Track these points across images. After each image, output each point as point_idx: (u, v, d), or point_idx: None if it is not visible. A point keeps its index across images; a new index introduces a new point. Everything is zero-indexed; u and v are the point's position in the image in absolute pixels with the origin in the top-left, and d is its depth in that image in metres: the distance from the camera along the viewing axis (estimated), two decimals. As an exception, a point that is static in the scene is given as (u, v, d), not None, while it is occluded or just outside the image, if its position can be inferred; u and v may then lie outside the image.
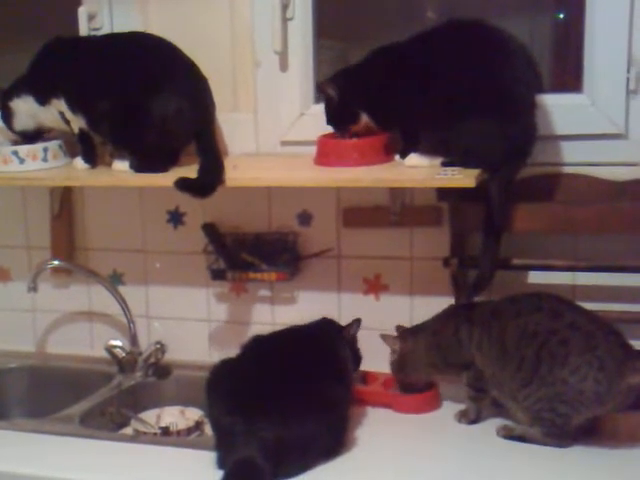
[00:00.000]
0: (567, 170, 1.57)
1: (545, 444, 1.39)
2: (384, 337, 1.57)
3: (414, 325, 1.59)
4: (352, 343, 1.54)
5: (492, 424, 1.47)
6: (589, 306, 1.48)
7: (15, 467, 1.41)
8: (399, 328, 1.60)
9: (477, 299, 1.57)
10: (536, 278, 1.61)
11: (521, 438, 1.41)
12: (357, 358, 1.55)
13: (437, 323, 1.54)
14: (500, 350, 1.43)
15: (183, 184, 1.52)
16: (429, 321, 1.56)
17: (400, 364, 1.56)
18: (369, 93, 1.53)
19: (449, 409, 1.56)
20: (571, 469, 1.34)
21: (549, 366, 1.37)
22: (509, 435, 1.43)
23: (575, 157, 1.57)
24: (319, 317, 1.58)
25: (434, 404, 1.58)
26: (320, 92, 1.62)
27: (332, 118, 1.58)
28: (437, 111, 1.45)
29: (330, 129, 1.60)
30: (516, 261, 1.57)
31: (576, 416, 1.36)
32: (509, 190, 1.48)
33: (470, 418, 1.50)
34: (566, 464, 1.35)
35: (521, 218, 1.53)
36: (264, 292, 1.82)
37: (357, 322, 1.55)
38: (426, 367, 1.55)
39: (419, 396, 1.58)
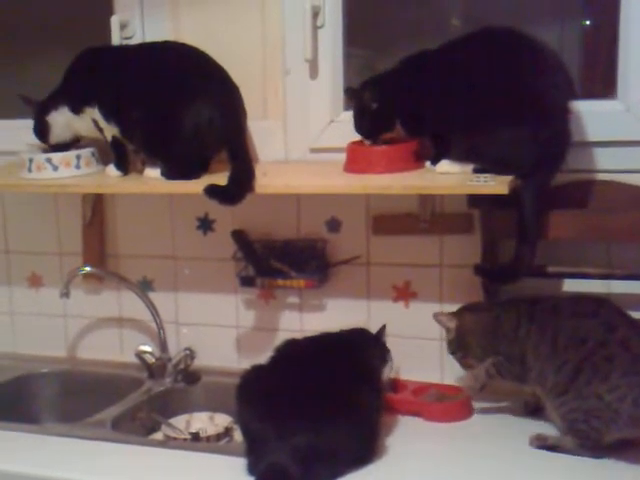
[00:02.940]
0: (601, 177, 1.55)
1: (578, 455, 1.37)
2: (438, 315, 1.54)
3: (472, 303, 1.56)
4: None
5: (524, 433, 1.45)
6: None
7: (47, 471, 1.42)
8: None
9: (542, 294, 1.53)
10: (570, 286, 1.59)
11: (554, 448, 1.40)
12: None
13: (502, 310, 1.50)
14: (551, 349, 1.41)
15: (212, 191, 1.53)
16: (493, 304, 1.53)
17: (458, 342, 1.53)
18: (402, 100, 1.53)
19: (479, 418, 1.55)
20: (606, 480, 1.32)
21: (588, 378, 1.35)
22: (542, 445, 1.41)
23: (609, 164, 1.55)
24: (353, 326, 1.59)
25: (464, 413, 1.57)
26: (355, 99, 1.58)
27: (366, 126, 1.56)
28: (469, 117, 1.45)
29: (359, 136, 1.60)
30: (550, 269, 1.56)
31: (607, 434, 1.35)
32: (542, 197, 1.47)
33: (482, 383, 1.49)
34: (600, 476, 1.33)
35: (554, 226, 1.52)
36: (293, 299, 1.82)
37: (383, 328, 1.57)
38: (477, 348, 1.51)
39: (449, 405, 1.57)
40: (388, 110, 1.54)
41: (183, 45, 1.68)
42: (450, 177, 1.48)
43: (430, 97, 1.50)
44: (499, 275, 1.56)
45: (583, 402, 1.35)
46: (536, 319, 1.46)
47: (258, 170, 1.61)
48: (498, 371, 1.48)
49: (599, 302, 1.44)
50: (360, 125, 1.57)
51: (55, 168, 1.71)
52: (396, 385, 1.65)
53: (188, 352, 1.83)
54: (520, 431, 1.47)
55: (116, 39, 1.77)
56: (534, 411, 1.50)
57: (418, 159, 1.57)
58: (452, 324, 1.53)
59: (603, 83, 1.68)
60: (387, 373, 1.54)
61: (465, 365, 1.55)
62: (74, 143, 1.78)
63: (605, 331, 1.37)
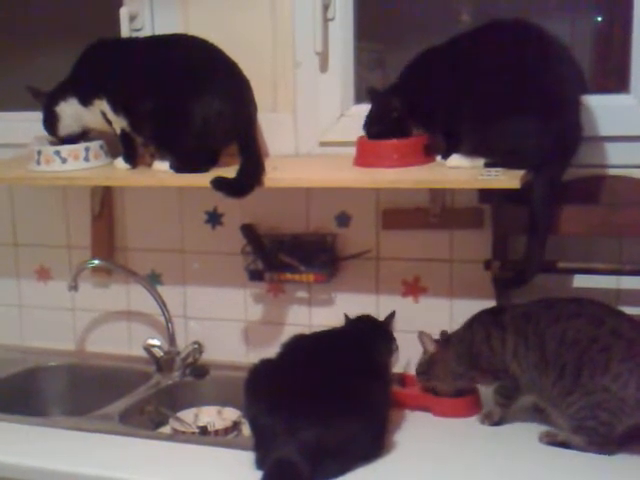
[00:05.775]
0: (613, 172, 1.54)
1: (589, 451, 1.36)
2: (422, 335, 1.55)
3: (451, 333, 1.57)
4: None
5: (533, 430, 1.44)
6: (634, 311, 1.45)
7: (54, 464, 1.42)
8: (444, 334, 1.58)
9: (504, 303, 1.56)
10: (580, 282, 1.59)
11: (564, 444, 1.39)
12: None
13: (466, 331, 1.52)
14: (539, 356, 1.41)
15: (219, 183, 1.52)
16: (458, 330, 1.54)
17: (428, 366, 1.54)
18: (418, 102, 1.52)
19: (489, 414, 1.54)
20: (616, 476, 1.31)
21: (590, 374, 1.35)
22: (552, 441, 1.40)
23: (621, 159, 1.54)
24: (359, 314, 1.59)
25: (473, 408, 1.56)
26: (378, 103, 1.57)
27: (380, 131, 1.55)
28: (480, 111, 1.44)
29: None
30: (560, 264, 1.55)
31: (619, 424, 1.34)
32: (554, 192, 1.46)
33: (494, 420, 1.49)
34: (611, 472, 1.32)
35: (565, 220, 1.51)
36: (301, 293, 1.82)
37: (392, 315, 1.58)
38: (452, 376, 1.52)
39: (458, 400, 1.56)
40: (408, 119, 1.54)
41: (193, 38, 1.67)
42: (461, 171, 1.47)
43: (441, 92, 1.49)
44: (511, 281, 1.56)
45: (590, 397, 1.34)
46: (509, 328, 1.45)
47: (268, 164, 1.60)
48: (503, 395, 1.48)
49: (578, 302, 1.43)
50: (371, 128, 1.56)
51: (64, 161, 1.71)
52: (405, 380, 1.65)
53: (196, 346, 1.83)
54: (529, 427, 1.47)
55: (125, 31, 1.76)
56: (543, 409, 1.49)
57: (428, 153, 1.56)
58: (431, 348, 1.54)
59: (615, 78, 1.67)
60: (394, 361, 1.54)
61: (426, 387, 1.56)
62: (83, 135, 1.78)
63: (594, 327, 1.37)
